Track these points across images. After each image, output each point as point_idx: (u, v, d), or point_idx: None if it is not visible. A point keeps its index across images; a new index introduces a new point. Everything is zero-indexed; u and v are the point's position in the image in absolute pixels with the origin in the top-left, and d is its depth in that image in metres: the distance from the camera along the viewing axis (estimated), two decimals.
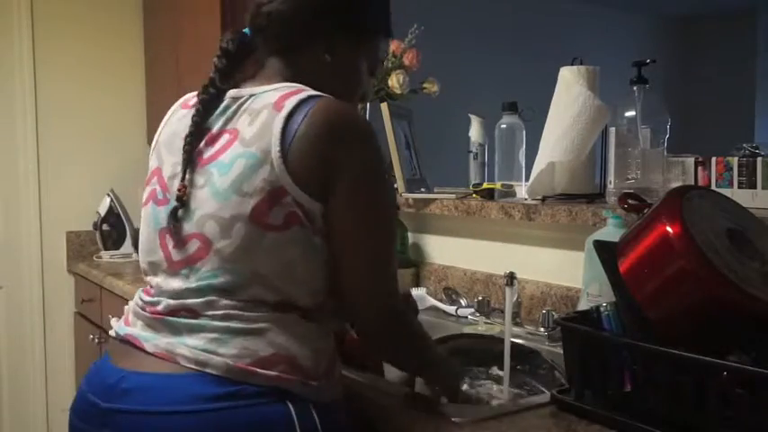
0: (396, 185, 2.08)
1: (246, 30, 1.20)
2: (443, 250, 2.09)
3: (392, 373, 1.46)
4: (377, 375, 1.39)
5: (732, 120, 5.80)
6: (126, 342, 1.12)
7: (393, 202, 1.16)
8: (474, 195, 1.94)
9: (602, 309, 1.13)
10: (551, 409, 1.16)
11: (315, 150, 1.04)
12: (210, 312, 1.06)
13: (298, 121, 1.05)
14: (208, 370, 1.02)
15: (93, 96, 3.10)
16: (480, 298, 1.80)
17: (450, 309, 1.87)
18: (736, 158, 1.52)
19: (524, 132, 1.98)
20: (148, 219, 1.16)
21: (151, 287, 1.15)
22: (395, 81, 2.30)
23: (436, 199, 2.00)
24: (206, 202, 1.07)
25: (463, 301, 1.88)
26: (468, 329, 1.72)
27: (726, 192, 1.40)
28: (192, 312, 1.07)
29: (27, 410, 3.00)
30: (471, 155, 2.14)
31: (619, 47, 5.11)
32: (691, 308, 0.99)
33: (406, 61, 2.32)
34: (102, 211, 2.95)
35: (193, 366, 1.02)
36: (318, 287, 1.10)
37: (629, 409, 1.05)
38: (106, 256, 2.97)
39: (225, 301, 1.06)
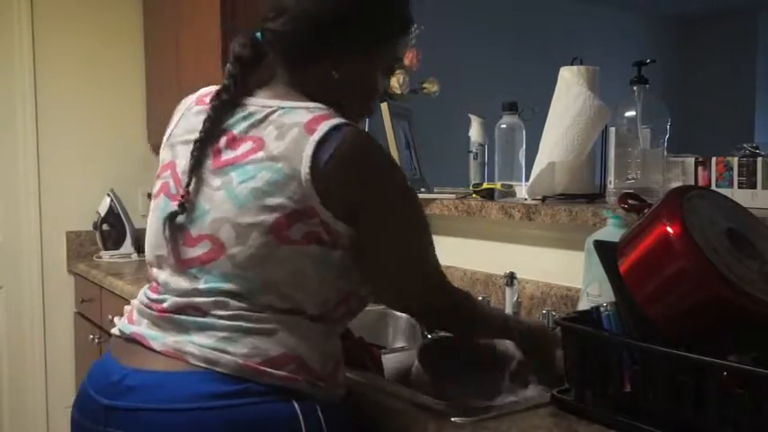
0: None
1: (258, 34, 1.19)
2: (443, 250, 2.07)
3: (391, 372, 1.46)
4: (377, 375, 1.39)
5: (732, 120, 5.80)
6: (132, 340, 1.12)
7: (420, 211, 1.21)
8: (474, 195, 1.94)
9: (602, 309, 1.13)
10: (551, 409, 1.16)
11: (346, 178, 1.07)
12: (219, 312, 1.07)
13: (329, 149, 1.06)
14: (218, 369, 1.03)
15: (93, 96, 3.10)
16: (480, 298, 1.80)
17: None
18: (736, 158, 1.52)
19: (524, 132, 1.98)
20: (158, 211, 1.16)
21: (158, 283, 1.15)
22: (395, 81, 2.30)
23: (436, 199, 2.00)
24: (222, 204, 1.08)
25: None
26: None
27: (726, 192, 1.40)
28: (200, 311, 1.07)
29: (27, 410, 3.00)
30: (471, 155, 2.14)
31: (619, 47, 5.11)
32: (691, 308, 0.99)
33: (406, 61, 2.32)
34: (102, 211, 2.95)
35: (202, 365, 1.03)
36: (329, 297, 1.11)
37: (629, 409, 1.05)
38: (106, 256, 2.97)
39: (234, 303, 1.07)
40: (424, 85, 2.38)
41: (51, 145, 3.02)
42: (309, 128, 1.07)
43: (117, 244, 2.97)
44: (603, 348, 1.09)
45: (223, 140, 1.12)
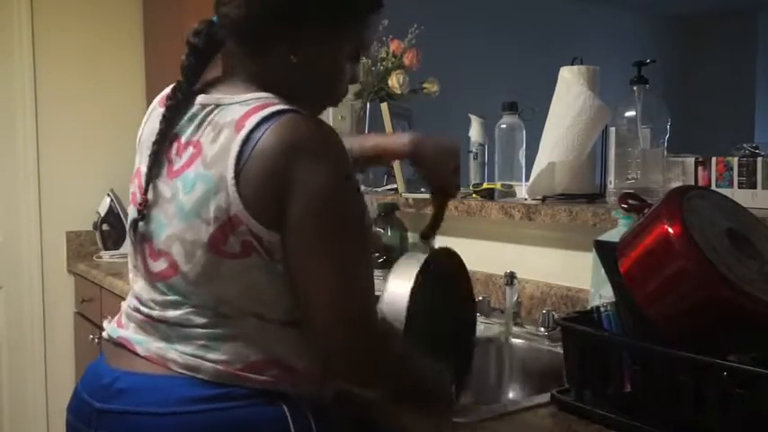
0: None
1: (215, 18, 1.10)
2: None
3: None
4: None
5: (732, 120, 5.79)
6: (119, 345, 1.11)
7: (358, 221, 1.04)
8: (474, 195, 1.94)
9: (602, 309, 1.13)
10: (551, 409, 1.16)
11: (265, 173, 0.96)
12: (196, 320, 1.04)
13: (253, 143, 0.97)
14: (199, 375, 1.01)
15: (93, 96, 3.10)
16: (480, 298, 1.80)
17: None
18: (736, 158, 1.52)
19: (524, 132, 1.98)
20: (129, 221, 1.14)
21: (137, 290, 1.13)
22: (395, 81, 2.30)
23: None
24: (173, 219, 1.04)
25: None
26: None
27: (726, 192, 1.39)
28: (176, 323, 1.05)
29: (27, 410, 3.00)
30: (471, 155, 2.14)
31: (619, 47, 5.11)
32: (691, 308, 0.99)
33: (406, 61, 2.32)
34: (102, 211, 2.95)
35: (184, 371, 1.02)
36: (290, 306, 1.04)
37: (629, 409, 1.05)
38: (106, 256, 2.97)
39: (203, 313, 1.04)
40: (424, 85, 2.38)
41: (51, 145, 3.02)
42: (239, 125, 0.99)
43: (117, 244, 2.96)
44: (603, 348, 1.09)
45: (174, 146, 1.08)
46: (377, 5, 1.12)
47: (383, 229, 2.07)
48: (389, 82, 2.31)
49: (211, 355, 1.02)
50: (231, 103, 1.04)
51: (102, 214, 2.95)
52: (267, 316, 1.04)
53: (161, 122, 1.09)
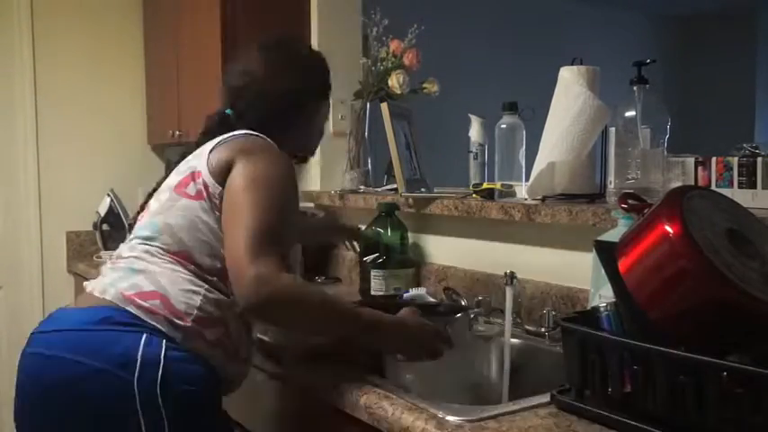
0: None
1: (228, 111, 1.53)
2: (443, 250, 2.09)
3: (390, 370, 1.46)
4: (379, 377, 1.39)
5: (732, 120, 5.79)
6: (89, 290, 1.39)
7: (278, 192, 1.33)
8: (474, 195, 1.94)
9: (602, 309, 1.13)
10: (551, 409, 1.16)
11: (226, 152, 1.38)
12: (126, 255, 1.37)
13: (229, 138, 1.42)
14: (106, 297, 1.29)
15: (93, 96, 3.10)
16: (480, 298, 1.80)
17: None
18: (736, 158, 1.52)
19: (524, 132, 1.98)
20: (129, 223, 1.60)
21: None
22: (395, 81, 2.30)
23: (436, 199, 2.00)
24: (161, 192, 1.43)
25: (463, 302, 1.87)
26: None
27: (726, 192, 1.39)
28: (120, 259, 1.37)
29: None
30: (471, 155, 2.14)
31: (619, 47, 5.11)
32: (691, 308, 0.99)
33: (406, 61, 2.32)
34: (102, 211, 2.95)
35: (99, 296, 1.31)
36: (218, 252, 1.32)
37: (629, 409, 1.05)
38: (106, 256, 2.96)
39: (141, 245, 1.36)
40: (424, 85, 2.38)
41: (51, 145, 3.02)
42: (224, 139, 1.43)
43: (117, 244, 2.95)
44: (603, 348, 1.09)
45: None
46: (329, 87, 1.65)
47: (383, 229, 2.07)
48: (389, 82, 2.31)
49: (120, 284, 1.31)
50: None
51: (102, 214, 2.95)
52: (192, 254, 1.33)
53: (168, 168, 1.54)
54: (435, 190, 2.21)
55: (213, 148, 1.40)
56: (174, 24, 2.90)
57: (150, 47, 3.17)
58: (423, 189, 2.19)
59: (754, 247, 1.05)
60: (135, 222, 1.46)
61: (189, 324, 1.28)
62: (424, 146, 2.36)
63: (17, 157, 2.97)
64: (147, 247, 1.36)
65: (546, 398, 1.19)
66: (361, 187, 2.39)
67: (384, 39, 2.37)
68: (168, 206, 1.37)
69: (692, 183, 1.58)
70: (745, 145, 1.56)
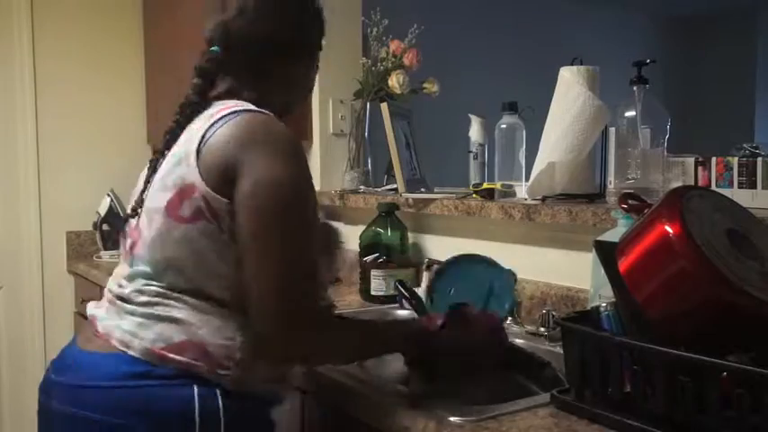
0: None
1: (215, 48, 1.27)
2: (443, 250, 2.09)
3: (390, 371, 1.46)
4: (377, 375, 1.39)
5: (732, 120, 5.79)
6: (90, 323, 1.22)
7: (303, 210, 1.14)
8: (474, 195, 1.94)
9: (602, 309, 1.13)
10: (551, 409, 1.16)
11: (222, 151, 1.12)
12: (139, 299, 1.16)
13: (216, 127, 1.14)
14: (129, 351, 1.12)
15: (93, 96, 3.10)
16: None
17: None
18: (736, 158, 1.52)
19: (524, 132, 1.98)
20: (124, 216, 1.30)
21: (115, 273, 1.27)
22: (395, 81, 2.30)
23: (436, 199, 2.00)
24: (149, 197, 1.20)
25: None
26: None
27: (726, 192, 1.39)
28: (127, 300, 1.18)
29: (27, 410, 2.99)
30: (471, 155, 2.14)
31: (619, 47, 5.10)
32: (691, 308, 0.99)
33: (406, 61, 2.32)
34: (102, 211, 2.95)
35: (120, 347, 1.13)
36: (228, 279, 1.14)
37: (629, 409, 1.05)
38: (106, 256, 2.97)
39: (150, 287, 1.16)
40: (424, 85, 2.38)
41: (51, 145, 3.02)
42: (210, 116, 1.17)
43: (117, 244, 2.95)
44: (603, 348, 1.09)
45: None
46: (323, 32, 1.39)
47: (383, 229, 2.07)
48: (389, 82, 2.31)
49: (143, 333, 1.13)
50: (213, 106, 1.22)
51: (102, 214, 2.95)
52: (207, 290, 1.14)
53: (166, 134, 1.22)
54: (435, 190, 2.21)
55: (200, 145, 1.13)
56: (173, 23, 2.90)
57: (151, 46, 3.17)
58: (423, 189, 2.20)
59: (754, 247, 1.05)
60: (126, 223, 1.25)
61: (233, 368, 1.14)
62: (424, 146, 2.36)
63: (17, 156, 2.97)
64: (155, 288, 1.15)
65: (546, 398, 1.19)
66: (362, 187, 2.39)
67: (384, 39, 2.37)
68: (164, 237, 1.14)
69: (692, 183, 1.58)
70: (745, 145, 1.56)
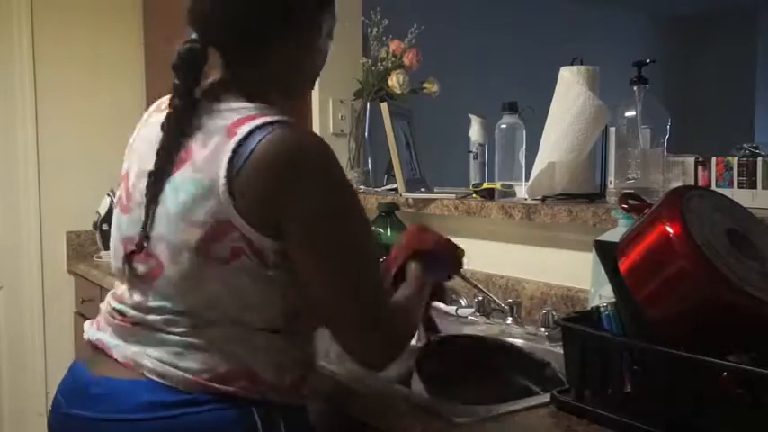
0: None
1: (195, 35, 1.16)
2: None
3: (390, 371, 1.46)
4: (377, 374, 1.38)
5: (732, 120, 5.79)
6: (96, 347, 1.13)
7: (359, 229, 1.08)
8: (474, 195, 1.94)
9: (602, 309, 1.13)
10: (551, 409, 1.16)
11: (264, 185, 0.99)
12: (171, 328, 1.06)
13: (247, 151, 0.99)
14: (166, 382, 1.03)
15: (93, 98, 3.10)
16: (480, 298, 1.80)
17: (450, 309, 1.87)
18: (736, 158, 1.52)
19: (524, 132, 1.98)
20: (114, 224, 1.16)
21: (119, 294, 1.15)
22: (395, 81, 2.30)
23: (436, 199, 2.00)
24: (160, 221, 1.05)
25: (463, 301, 1.87)
26: (468, 329, 1.72)
27: (726, 192, 1.39)
28: (153, 327, 1.07)
29: (27, 410, 3.00)
30: (471, 155, 2.14)
31: (619, 47, 5.10)
32: (691, 308, 0.99)
33: (406, 61, 2.32)
34: (102, 211, 2.95)
35: (154, 377, 1.04)
36: (275, 314, 1.08)
37: (629, 409, 1.05)
38: (106, 256, 2.96)
39: (184, 320, 1.05)
40: (424, 85, 2.38)
41: (51, 145, 3.02)
42: (231, 131, 1.01)
43: None
44: (603, 348, 1.09)
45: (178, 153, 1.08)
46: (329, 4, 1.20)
47: (383, 229, 2.07)
48: (389, 82, 2.31)
49: (182, 363, 1.04)
50: (222, 110, 1.07)
51: (102, 214, 2.95)
52: (248, 321, 1.06)
53: (162, 128, 1.10)
54: (435, 190, 2.21)
55: (229, 172, 0.99)
56: (173, 23, 2.90)
57: (150, 46, 3.17)
58: (423, 189, 2.19)
59: (754, 247, 1.05)
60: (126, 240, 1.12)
61: (288, 389, 1.10)
62: (424, 146, 2.36)
63: (17, 156, 2.97)
64: (187, 318, 1.05)
65: (546, 398, 1.19)
66: (361, 187, 2.39)
67: (384, 39, 2.37)
68: (197, 278, 1.03)
69: (692, 183, 1.58)
70: (745, 145, 1.56)
